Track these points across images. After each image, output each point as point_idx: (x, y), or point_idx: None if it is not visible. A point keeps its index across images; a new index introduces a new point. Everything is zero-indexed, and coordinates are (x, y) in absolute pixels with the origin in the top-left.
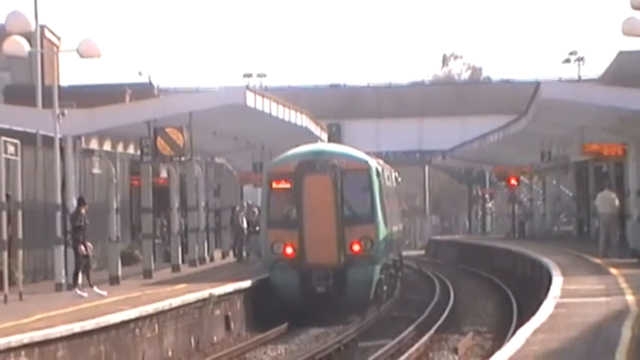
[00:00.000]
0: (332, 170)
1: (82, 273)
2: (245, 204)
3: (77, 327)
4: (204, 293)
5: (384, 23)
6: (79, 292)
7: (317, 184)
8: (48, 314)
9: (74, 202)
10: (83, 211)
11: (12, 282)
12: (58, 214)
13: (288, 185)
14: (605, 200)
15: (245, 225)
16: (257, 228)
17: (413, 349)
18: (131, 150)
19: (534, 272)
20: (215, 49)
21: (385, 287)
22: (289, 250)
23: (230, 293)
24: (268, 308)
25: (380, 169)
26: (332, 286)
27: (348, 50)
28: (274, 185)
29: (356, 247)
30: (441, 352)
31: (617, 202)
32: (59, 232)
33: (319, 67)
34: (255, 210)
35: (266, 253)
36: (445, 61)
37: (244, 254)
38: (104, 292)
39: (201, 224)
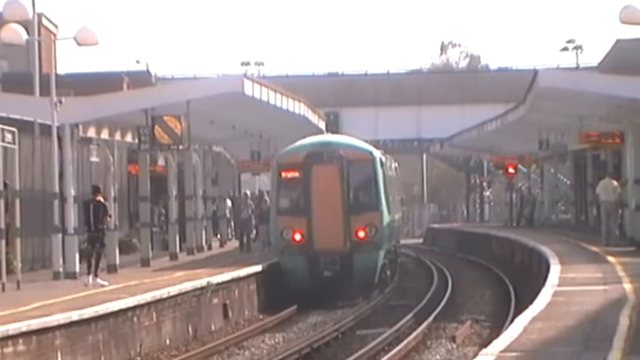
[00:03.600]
0: (339, 161)
1: (95, 262)
2: (248, 192)
3: (75, 315)
4: (201, 281)
5: (382, 11)
6: (100, 281)
7: (324, 173)
8: (46, 302)
9: (72, 191)
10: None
11: (10, 270)
12: (56, 202)
13: (296, 175)
14: (607, 188)
15: (249, 213)
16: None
17: (411, 337)
18: (129, 138)
19: (532, 260)
20: (213, 38)
21: (388, 272)
22: (298, 237)
23: (228, 281)
24: (270, 296)
25: (383, 159)
26: (339, 270)
27: (345, 38)
28: (284, 175)
29: (361, 234)
30: (439, 340)
31: (618, 189)
32: (57, 221)
33: (317, 56)
34: (267, 198)
35: (276, 240)
36: (443, 49)
37: (251, 243)
38: (106, 282)
39: (199, 212)
